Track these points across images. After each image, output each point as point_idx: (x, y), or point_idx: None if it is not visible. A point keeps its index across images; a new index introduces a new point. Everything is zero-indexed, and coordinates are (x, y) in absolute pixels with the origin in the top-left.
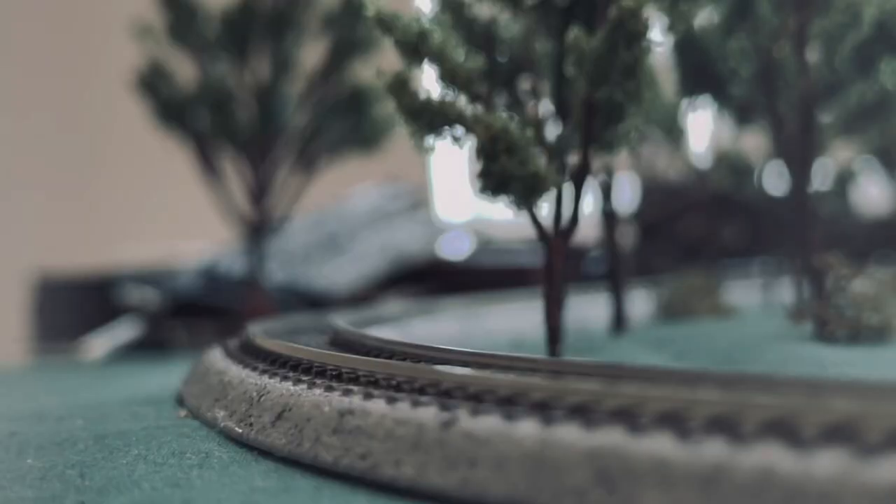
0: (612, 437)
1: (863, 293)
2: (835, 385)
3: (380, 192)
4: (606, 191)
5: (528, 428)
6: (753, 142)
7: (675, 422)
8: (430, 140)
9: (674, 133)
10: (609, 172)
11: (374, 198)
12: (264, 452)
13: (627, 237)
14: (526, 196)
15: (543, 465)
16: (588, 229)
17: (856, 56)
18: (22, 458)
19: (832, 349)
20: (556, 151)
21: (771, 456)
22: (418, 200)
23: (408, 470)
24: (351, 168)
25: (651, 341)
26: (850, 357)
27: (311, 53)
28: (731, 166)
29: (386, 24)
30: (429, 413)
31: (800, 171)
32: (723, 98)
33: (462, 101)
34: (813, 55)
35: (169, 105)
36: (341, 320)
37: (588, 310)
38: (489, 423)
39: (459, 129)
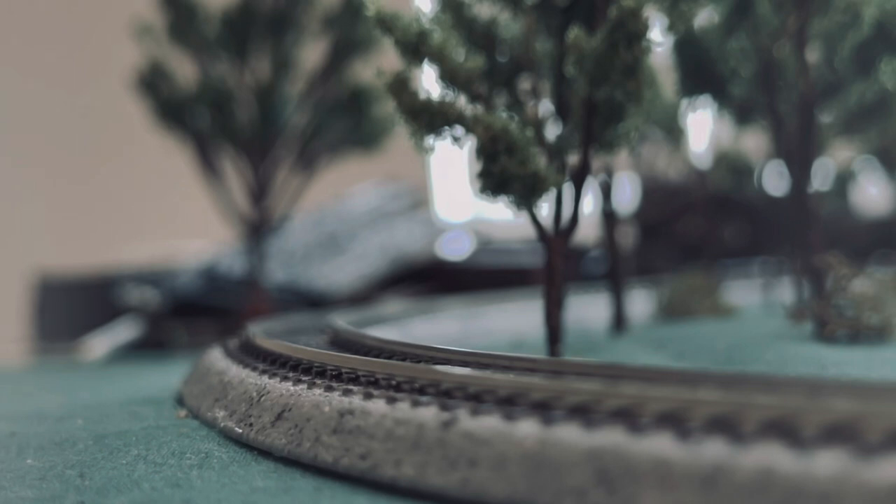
0: (612, 437)
1: (863, 293)
2: (835, 385)
3: (380, 191)
4: (606, 191)
5: (528, 428)
6: (753, 142)
7: (675, 422)
8: (430, 140)
9: (674, 133)
10: (609, 172)
11: (374, 198)
12: (264, 452)
13: (627, 237)
14: (526, 196)
15: (543, 465)
16: (588, 229)
17: (856, 56)
18: (22, 458)
19: (832, 349)
20: (556, 151)
21: (771, 456)
22: (418, 200)
23: (408, 470)
24: (351, 168)
25: (651, 341)
26: (850, 357)
27: (311, 53)
28: (731, 166)
29: (386, 23)
30: (429, 413)
31: (800, 171)
32: (723, 98)
33: (462, 101)
34: (813, 55)
35: (169, 105)
36: (341, 320)
37: (588, 310)
38: (489, 423)
39: (459, 129)
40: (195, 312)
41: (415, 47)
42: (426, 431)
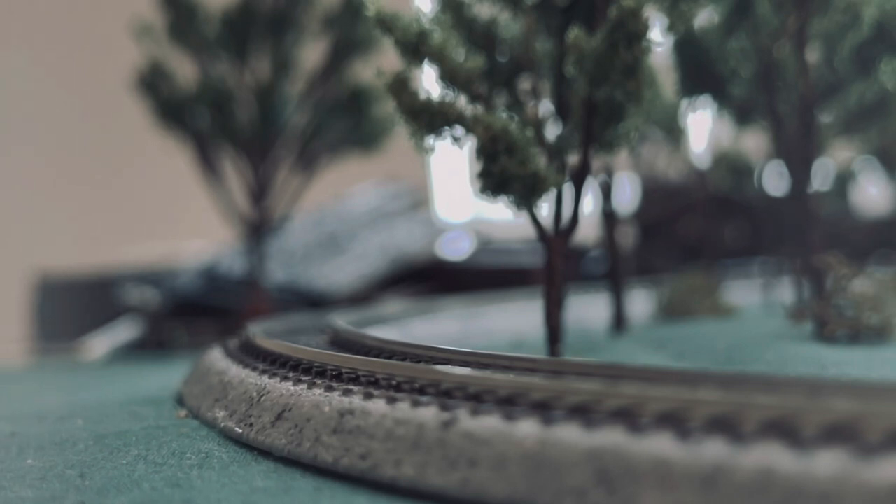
0: (612, 437)
1: (863, 293)
2: (835, 385)
3: (380, 191)
4: (606, 191)
5: (528, 428)
6: (753, 142)
7: (675, 422)
8: (430, 140)
9: (674, 133)
10: (609, 172)
11: (374, 198)
12: (264, 452)
13: (627, 237)
14: (526, 196)
15: (543, 465)
16: (588, 229)
17: (856, 56)
18: (22, 458)
19: (832, 349)
20: (556, 151)
21: (771, 456)
22: (418, 200)
23: (408, 470)
24: (351, 168)
25: (651, 341)
26: (850, 357)
27: (311, 53)
28: (731, 166)
29: (386, 24)
30: (429, 413)
31: (800, 171)
32: (723, 98)
33: (462, 101)
34: (813, 55)
35: (169, 105)
36: (341, 320)
37: (588, 310)
38: (489, 423)
39: (459, 129)
40: (195, 312)
41: (415, 47)
42: (426, 431)
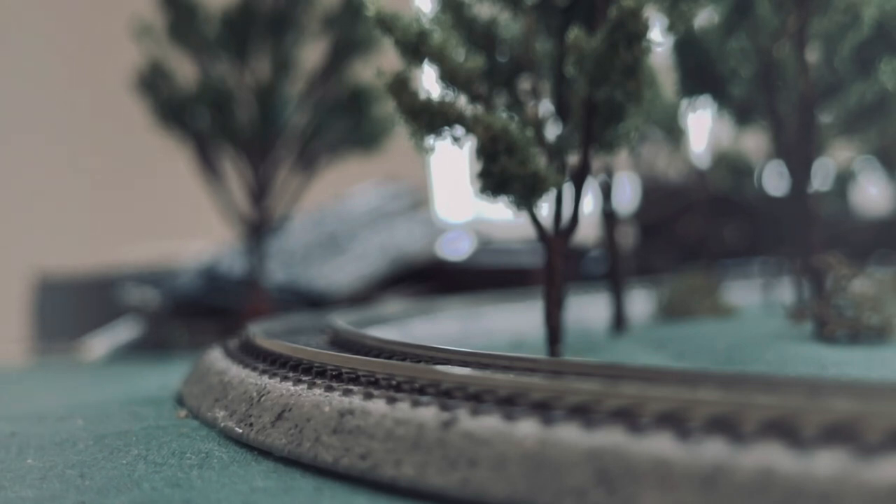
0: (612, 437)
1: (863, 293)
2: (835, 385)
3: (380, 191)
4: (606, 191)
5: (528, 428)
6: (753, 142)
7: (675, 422)
8: (430, 140)
9: (674, 133)
10: (609, 172)
11: (374, 198)
12: (264, 452)
13: (627, 237)
14: (526, 196)
15: (543, 465)
16: (588, 229)
17: (856, 56)
18: (22, 458)
19: (832, 349)
20: (556, 151)
21: (771, 456)
22: (418, 200)
23: (408, 470)
24: (351, 168)
25: (651, 341)
26: (850, 357)
27: (311, 53)
28: (731, 166)
29: (386, 24)
30: (429, 413)
31: (800, 171)
32: (723, 98)
33: (462, 101)
34: (813, 55)
35: (169, 105)
36: (341, 320)
37: (588, 310)
38: (489, 423)
39: (459, 129)
40: (195, 312)
41: (415, 47)
42: (426, 431)
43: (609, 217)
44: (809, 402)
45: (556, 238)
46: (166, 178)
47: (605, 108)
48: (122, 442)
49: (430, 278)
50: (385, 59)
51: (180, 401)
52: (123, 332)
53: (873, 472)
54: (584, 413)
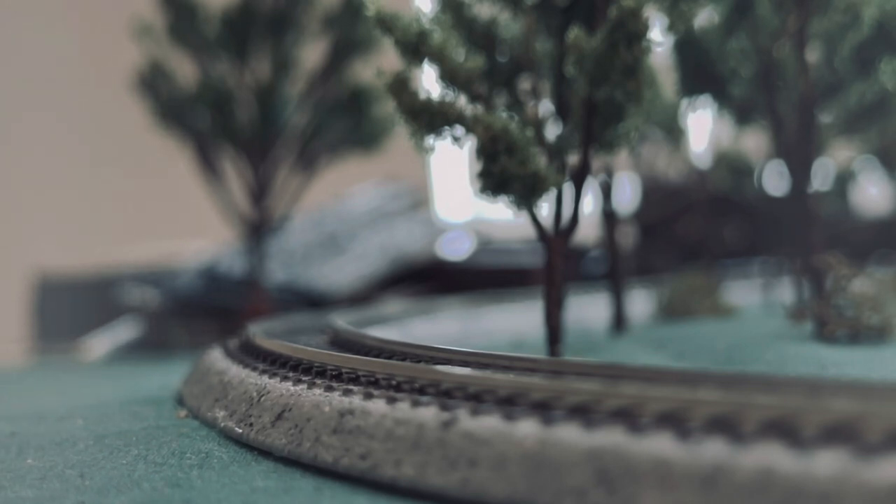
0: (612, 437)
1: (863, 293)
2: (835, 385)
3: (380, 191)
4: (606, 191)
5: (528, 428)
6: (753, 142)
7: (675, 422)
8: (430, 140)
9: (674, 133)
10: (609, 172)
11: (374, 198)
12: (264, 452)
13: (627, 237)
14: (526, 196)
15: (543, 465)
16: (588, 229)
17: (856, 56)
18: (22, 458)
19: (832, 349)
20: (556, 151)
21: (771, 456)
22: (418, 200)
23: (408, 470)
24: (351, 168)
25: (651, 341)
26: (850, 357)
27: (311, 53)
28: (731, 166)
29: (386, 24)
30: (429, 413)
31: (800, 171)
32: (723, 98)
33: (462, 101)
34: (813, 55)
35: (169, 105)
36: (341, 320)
37: (588, 310)
38: (489, 423)
39: (459, 129)
40: (195, 312)
41: (415, 47)
42: (426, 431)
43: (609, 217)
44: (809, 402)
45: (556, 238)
46: (166, 178)
47: (605, 108)
48: (122, 442)
49: (430, 278)
50: (385, 59)
51: (180, 401)
52: (123, 332)
53: (873, 472)
54: (584, 413)
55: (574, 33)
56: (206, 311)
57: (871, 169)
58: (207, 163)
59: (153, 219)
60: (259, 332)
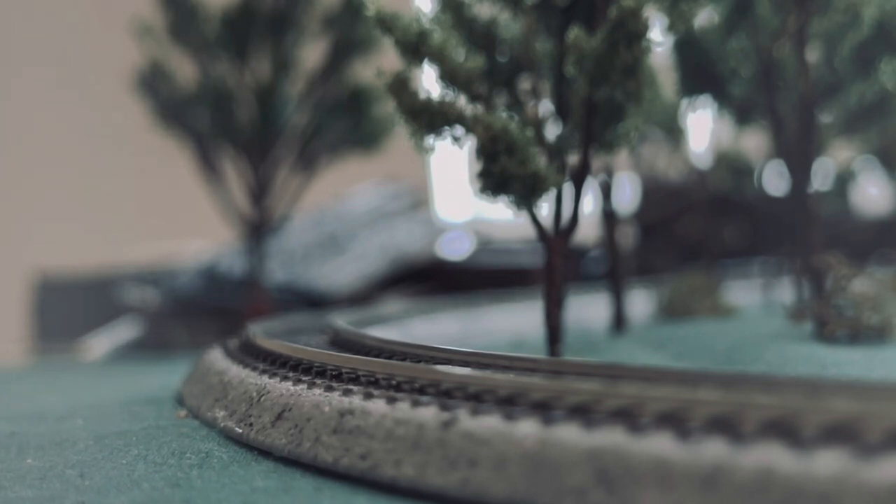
0: (612, 437)
1: (863, 293)
2: (835, 385)
3: (380, 191)
4: (606, 191)
5: (528, 428)
6: (753, 142)
7: (675, 422)
8: (430, 140)
9: (674, 133)
10: (609, 172)
11: (374, 198)
12: (264, 452)
13: (627, 237)
14: (526, 196)
15: (543, 465)
16: (588, 229)
17: (856, 56)
18: (22, 458)
19: (832, 349)
20: (556, 151)
21: (771, 456)
22: (418, 200)
23: (408, 470)
24: (351, 168)
25: (651, 341)
26: (850, 357)
27: (311, 53)
28: (731, 166)
29: (386, 24)
30: (429, 413)
31: (800, 171)
32: (723, 98)
33: (462, 101)
34: (813, 55)
35: (169, 105)
36: (341, 320)
37: (588, 310)
38: (489, 423)
39: (459, 129)
40: (195, 312)
41: (415, 47)
42: (426, 431)
43: (609, 217)
44: (809, 402)
45: (556, 238)
46: (166, 178)
47: (605, 108)
48: (122, 442)
49: (430, 278)
50: (385, 59)
51: (180, 401)
52: (123, 332)
53: (873, 473)
54: (584, 413)
55: (574, 33)
56: (206, 311)
57: (871, 169)
58: (207, 163)
59: (153, 219)
60: (259, 332)
